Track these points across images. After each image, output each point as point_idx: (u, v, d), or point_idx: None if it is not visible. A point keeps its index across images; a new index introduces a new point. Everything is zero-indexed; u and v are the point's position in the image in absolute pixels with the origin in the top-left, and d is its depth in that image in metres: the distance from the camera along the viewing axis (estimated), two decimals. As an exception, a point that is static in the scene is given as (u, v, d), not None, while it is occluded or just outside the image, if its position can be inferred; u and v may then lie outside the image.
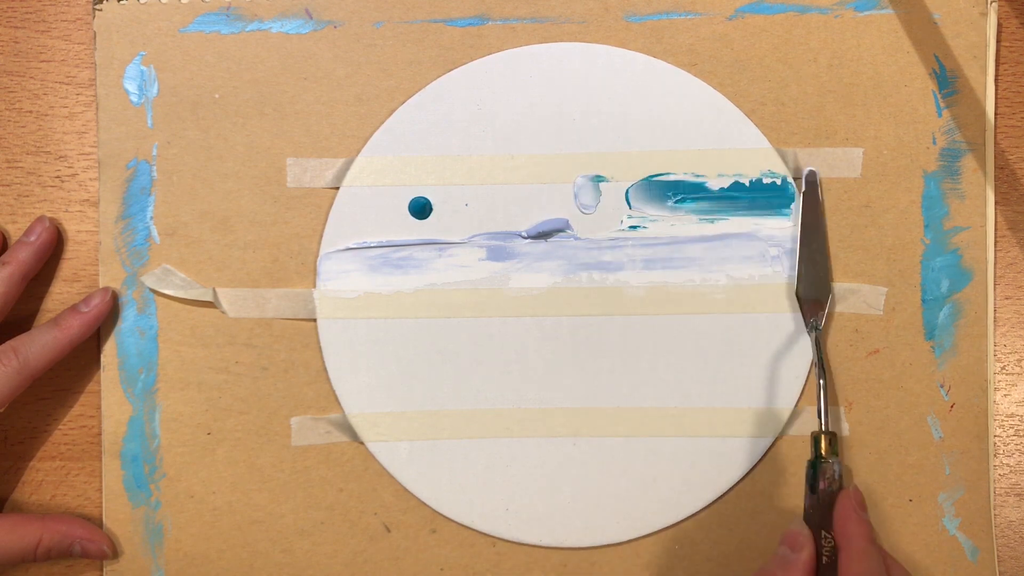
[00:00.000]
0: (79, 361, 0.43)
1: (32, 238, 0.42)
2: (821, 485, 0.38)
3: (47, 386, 0.43)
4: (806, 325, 0.42)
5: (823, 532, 0.37)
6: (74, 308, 0.42)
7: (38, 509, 0.43)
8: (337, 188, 0.43)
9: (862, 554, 0.36)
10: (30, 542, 0.40)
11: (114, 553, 0.42)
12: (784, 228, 0.43)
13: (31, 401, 0.43)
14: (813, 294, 0.42)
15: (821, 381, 0.40)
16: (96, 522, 0.43)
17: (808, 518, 0.38)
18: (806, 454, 0.42)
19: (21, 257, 0.41)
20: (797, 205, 0.42)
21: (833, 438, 0.39)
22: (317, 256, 0.43)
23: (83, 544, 0.41)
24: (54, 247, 0.43)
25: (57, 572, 0.43)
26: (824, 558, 0.37)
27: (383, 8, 0.43)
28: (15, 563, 0.40)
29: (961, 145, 0.43)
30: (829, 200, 0.43)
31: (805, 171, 0.42)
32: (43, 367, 0.40)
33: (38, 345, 0.40)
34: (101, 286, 0.43)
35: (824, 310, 0.42)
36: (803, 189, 0.42)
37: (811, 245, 0.42)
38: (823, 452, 0.39)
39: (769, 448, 0.42)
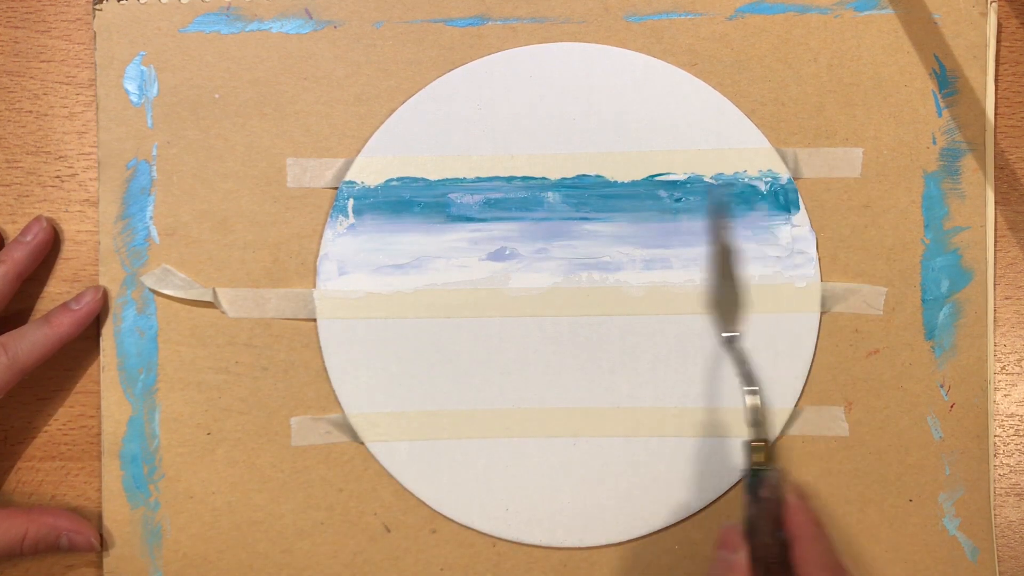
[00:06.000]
0: (79, 361, 0.43)
1: (28, 238, 0.42)
2: (764, 493, 0.39)
3: (47, 386, 0.43)
4: (721, 338, 0.42)
5: (768, 535, 0.38)
6: (65, 306, 0.42)
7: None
8: (337, 188, 0.43)
9: (812, 539, 0.37)
10: (16, 535, 0.40)
11: (101, 545, 0.42)
12: (784, 228, 0.43)
13: (31, 401, 0.43)
14: (732, 305, 0.42)
15: (749, 388, 0.40)
16: (95, 522, 0.42)
17: (751, 524, 0.39)
18: (806, 454, 0.42)
19: (16, 256, 0.41)
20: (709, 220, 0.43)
21: (770, 445, 0.40)
22: (317, 256, 0.43)
23: (70, 536, 0.41)
24: (50, 247, 0.43)
25: (57, 573, 0.43)
26: (767, 561, 0.38)
27: (383, 8, 0.43)
28: (2, 557, 0.40)
29: (961, 145, 0.43)
30: (829, 200, 0.43)
31: (713, 191, 0.42)
32: (33, 364, 0.40)
33: (28, 342, 0.40)
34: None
35: (740, 319, 0.42)
36: (712, 207, 0.42)
37: (721, 258, 0.42)
38: (763, 460, 0.39)
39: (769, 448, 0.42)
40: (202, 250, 0.43)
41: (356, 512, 0.42)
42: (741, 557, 0.37)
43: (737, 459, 0.42)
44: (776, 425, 0.42)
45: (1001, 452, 0.43)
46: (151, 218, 0.43)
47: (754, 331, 0.42)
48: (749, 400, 0.40)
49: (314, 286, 0.43)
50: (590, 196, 0.43)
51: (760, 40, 0.43)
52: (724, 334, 0.42)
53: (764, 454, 0.39)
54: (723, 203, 0.42)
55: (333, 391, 0.43)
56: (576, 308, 0.43)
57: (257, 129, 0.43)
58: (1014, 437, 0.43)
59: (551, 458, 0.42)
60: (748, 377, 0.41)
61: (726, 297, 0.42)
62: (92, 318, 0.42)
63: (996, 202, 0.43)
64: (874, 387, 0.42)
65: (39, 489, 0.43)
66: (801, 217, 0.43)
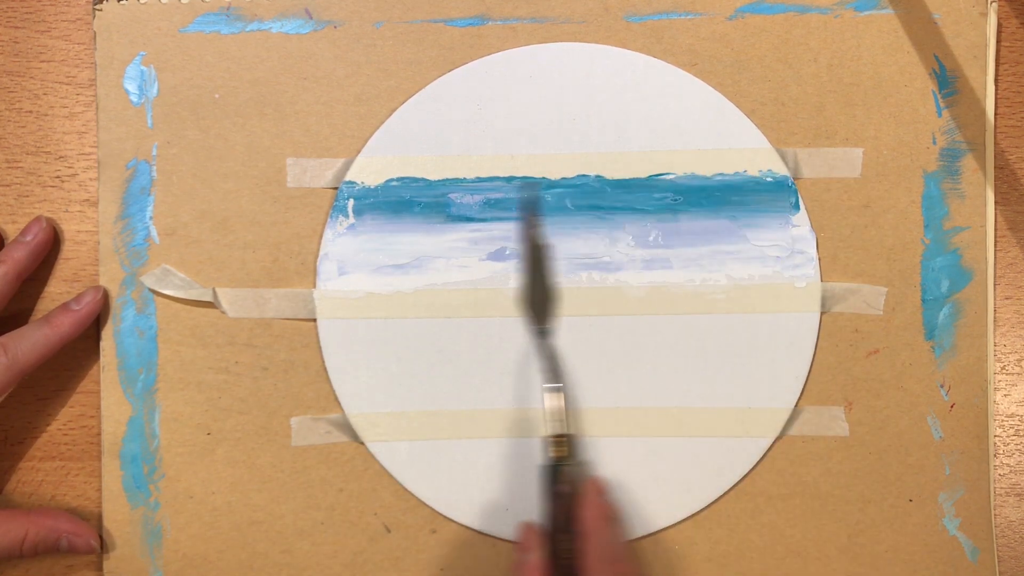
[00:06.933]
0: (79, 361, 0.43)
1: (28, 238, 0.42)
2: (560, 488, 0.39)
3: (47, 386, 0.43)
4: (533, 332, 0.42)
5: (564, 531, 0.38)
6: (65, 306, 0.42)
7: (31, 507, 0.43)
8: (337, 188, 0.43)
9: (596, 533, 0.37)
10: (16, 537, 0.40)
11: (101, 547, 0.42)
12: (784, 228, 0.43)
13: (31, 401, 0.43)
14: (544, 301, 0.42)
15: (552, 385, 0.41)
16: (95, 522, 0.42)
17: (549, 520, 0.39)
18: (806, 454, 0.42)
19: (16, 256, 0.41)
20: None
21: (571, 440, 0.40)
22: (317, 256, 0.43)
23: (70, 538, 0.41)
24: (50, 247, 0.43)
25: (57, 573, 0.43)
26: (566, 559, 0.37)
27: (383, 8, 0.43)
28: (2, 559, 0.40)
29: (961, 145, 0.43)
30: (829, 200, 0.43)
31: (523, 188, 0.42)
32: (33, 364, 0.40)
33: (28, 342, 0.40)
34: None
35: (552, 315, 0.42)
36: (522, 205, 0.42)
37: (532, 255, 0.42)
38: (563, 455, 0.40)
39: (769, 448, 0.42)
40: (202, 250, 0.43)
41: (356, 512, 0.42)
42: (534, 558, 0.37)
43: (737, 459, 0.42)
44: (776, 425, 0.42)
45: (1001, 452, 0.43)
46: (151, 218, 0.43)
47: (754, 331, 0.42)
48: (550, 396, 0.41)
49: (314, 286, 0.43)
50: (590, 196, 0.43)
51: (760, 40, 0.43)
52: (536, 328, 0.42)
53: (565, 448, 0.40)
54: (533, 201, 0.42)
55: (333, 391, 0.43)
56: (576, 308, 0.43)
57: (257, 129, 0.43)
58: (1014, 437, 0.43)
59: (551, 458, 0.42)
60: (554, 373, 0.41)
61: (538, 293, 0.42)
62: (92, 318, 0.42)
63: (996, 202, 0.43)
64: (874, 387, 0.42)
65: (39, 489, 0.43)
66: (801, 217, 0.43)
